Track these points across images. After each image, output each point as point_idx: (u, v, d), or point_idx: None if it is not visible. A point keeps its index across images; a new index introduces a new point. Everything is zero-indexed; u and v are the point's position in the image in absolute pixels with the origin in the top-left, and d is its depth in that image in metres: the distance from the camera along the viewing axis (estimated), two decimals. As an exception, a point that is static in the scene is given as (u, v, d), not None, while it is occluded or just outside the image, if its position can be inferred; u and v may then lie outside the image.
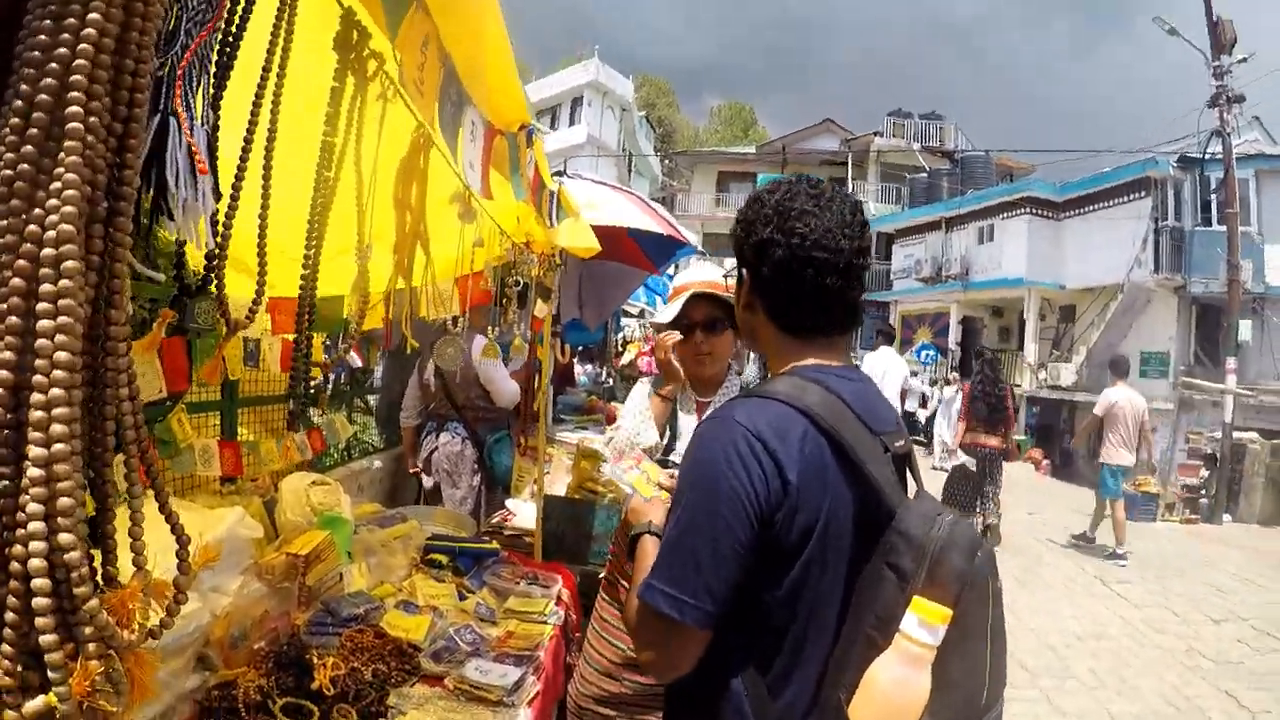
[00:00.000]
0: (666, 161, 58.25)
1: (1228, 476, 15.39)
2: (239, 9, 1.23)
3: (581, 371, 12.90)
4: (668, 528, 1.58)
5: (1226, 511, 15.23)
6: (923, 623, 1.39)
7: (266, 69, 1.34)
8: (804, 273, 1.62)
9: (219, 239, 1.29)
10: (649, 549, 1.80)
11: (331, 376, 6.52)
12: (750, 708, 1.56)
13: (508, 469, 5.59)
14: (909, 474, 1.71)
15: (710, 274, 3.29)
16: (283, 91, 1.43)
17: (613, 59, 49.21)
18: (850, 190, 28.02)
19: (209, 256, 1.25)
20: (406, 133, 1.94)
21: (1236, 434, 15.82)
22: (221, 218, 1.27)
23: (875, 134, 41.71)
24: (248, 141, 1.34)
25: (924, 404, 23.63)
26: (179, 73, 1.03)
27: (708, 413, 3.11)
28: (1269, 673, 7.07)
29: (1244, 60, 17.00)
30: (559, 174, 5.44)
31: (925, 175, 36.92)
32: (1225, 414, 16.06)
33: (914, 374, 18.70)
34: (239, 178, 1.33)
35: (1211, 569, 10.94)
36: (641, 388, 3.38)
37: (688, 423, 3.19)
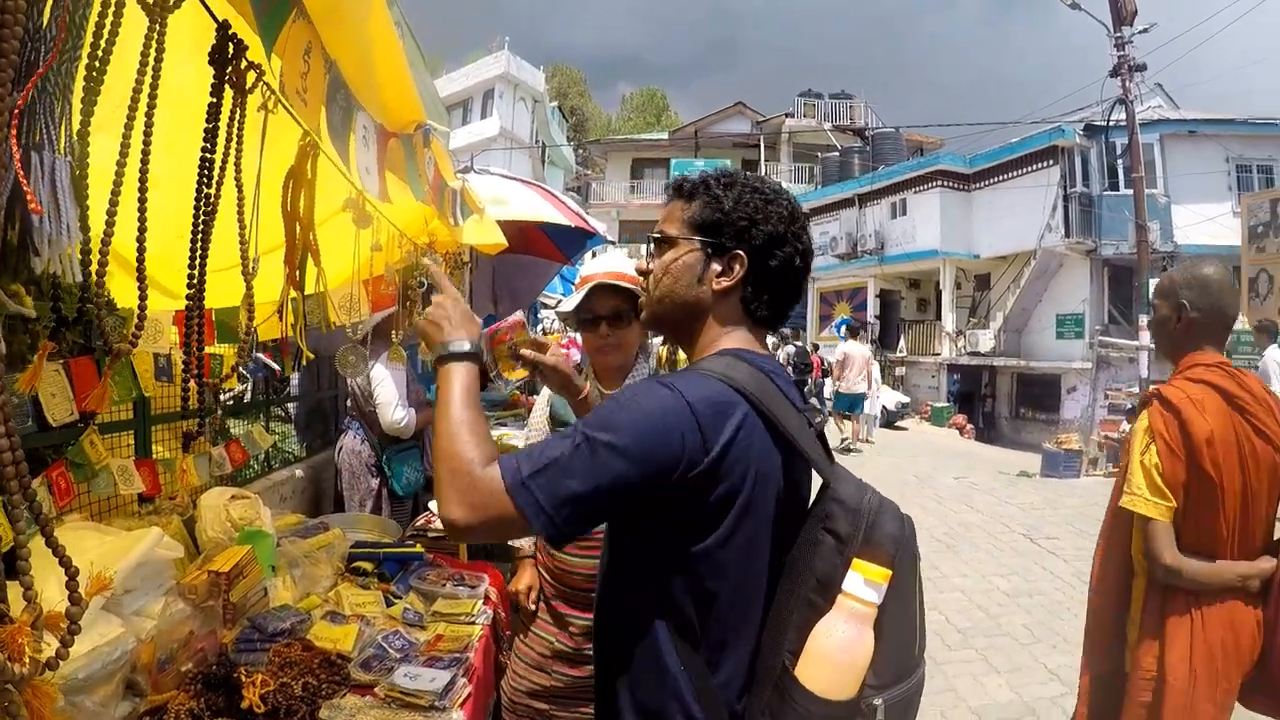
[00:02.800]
0: (580, 151, 58.15)
1: (1147, 429, 15.67)
2: (105, 31, 1.19)
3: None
4: (568, 435, 1.50)
5: (1148, 463, 15.56)
6: (868, 581, 1.44)
7: (138, 89, 1.31)
8: (797, 275, 1.75)
9: (96, 267, 1.26)
10: (463, 378, 1.66)
11: (247, 386, 6.40)
12: (690, 687, 1.56)
13: (410, 482, 5.40)
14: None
15: (617, 264, 3.20)
16: (158, 110, 1.40)
17: (524, 49, 49.07)
18: (763, 172, 28.70)
19: (83, 287, 1.21)
20: (292, 142, 1.90)
21: (1153, 388, 16.17)
22: (96, 246, 1.24)
23: (786, 115, 42.01)
24: (120, 165, 1.31)
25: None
26: (14, 112, 0.99)
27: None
28: (1199, 618, 7.25)
29: (1145, 31, 17.53)
30: (465, 170, 5.39)
31: (837, 154, 37.34)
32: (1141, 369, 16.50)
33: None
34: (113, 204, 1.30)
35: (1138, 519, 11.13)
36: (544, 397, 3.35)
37: None
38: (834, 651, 1.44)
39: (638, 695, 1.62)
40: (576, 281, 3.24)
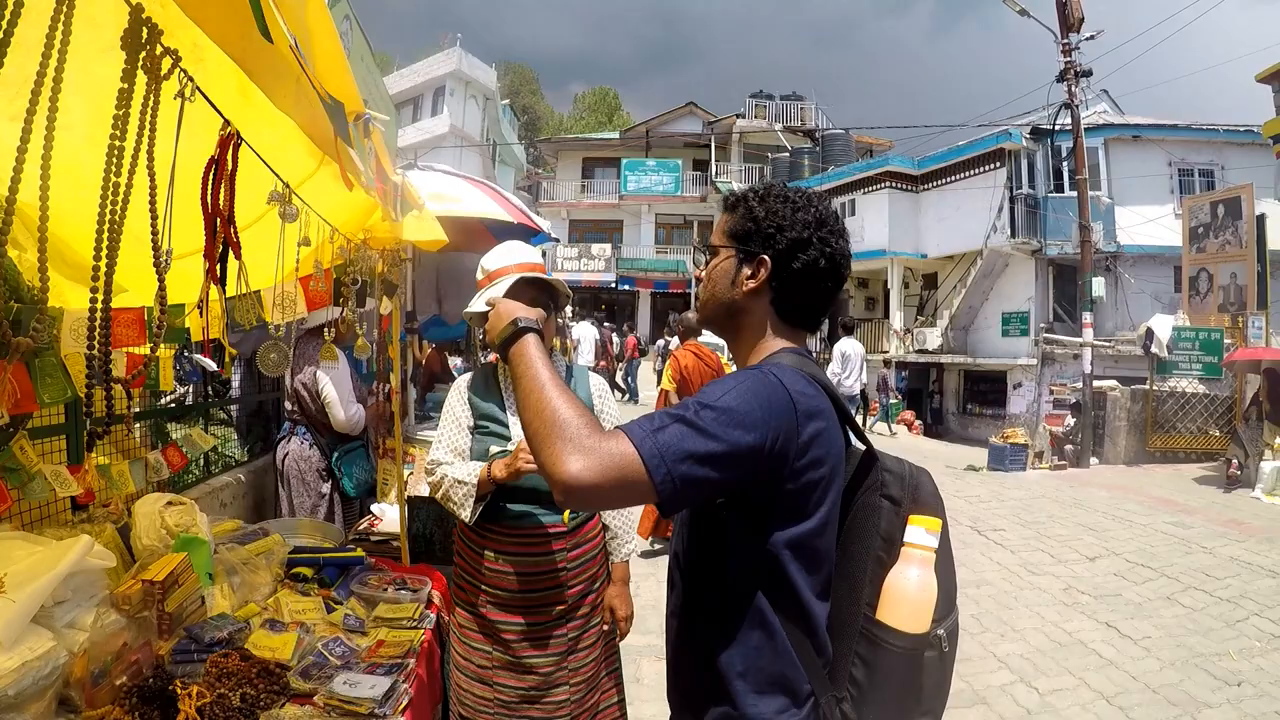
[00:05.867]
0: (531, 150, 58.07)
1: (1092, 423, 16.13)
2: (6, 14, 1.13)
3: (454, 367, 12.80)
4: (682, 407, 1.57)
5: (1094, 455, 15.96)
6: (928, 531, 1.70)
7: (41, 74, 1.24)
8: (825, 282, 1.89)
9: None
10: (534, 347, 1.73)
11: (187, 389, 6.28)
12: (795, 655, 1.71)
13: (360, 482, 5.37)
14: None
15: (528, 255, 3.20)
16: (82, 104, 1.34)
17: (476, 47, 49.01)
18: (713, 172, 29.59)
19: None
20: (212, 132, 1.84)
21: (1097, 383, 16.56)
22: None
23: (737, 115, 42.18)
24: (20, 150, 1.23)
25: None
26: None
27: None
28: (1145, 601, 7.44)
29: (1092, 37, 17.83)
30: (408, 167, 5.32)
31: (787, 155, 37.58)
32: (1085, 365, 16.76)
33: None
34: (13, 189, 1.23)
35: (1083, 510, 11.40)
36: (461, 389, 3.28)
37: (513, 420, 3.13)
38: (914, 592, 1.67)
39: (751, 670, 1.73)
40: (482, 276, 3.14)
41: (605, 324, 27.98)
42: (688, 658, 1.88)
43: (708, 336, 10.15)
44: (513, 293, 2.96)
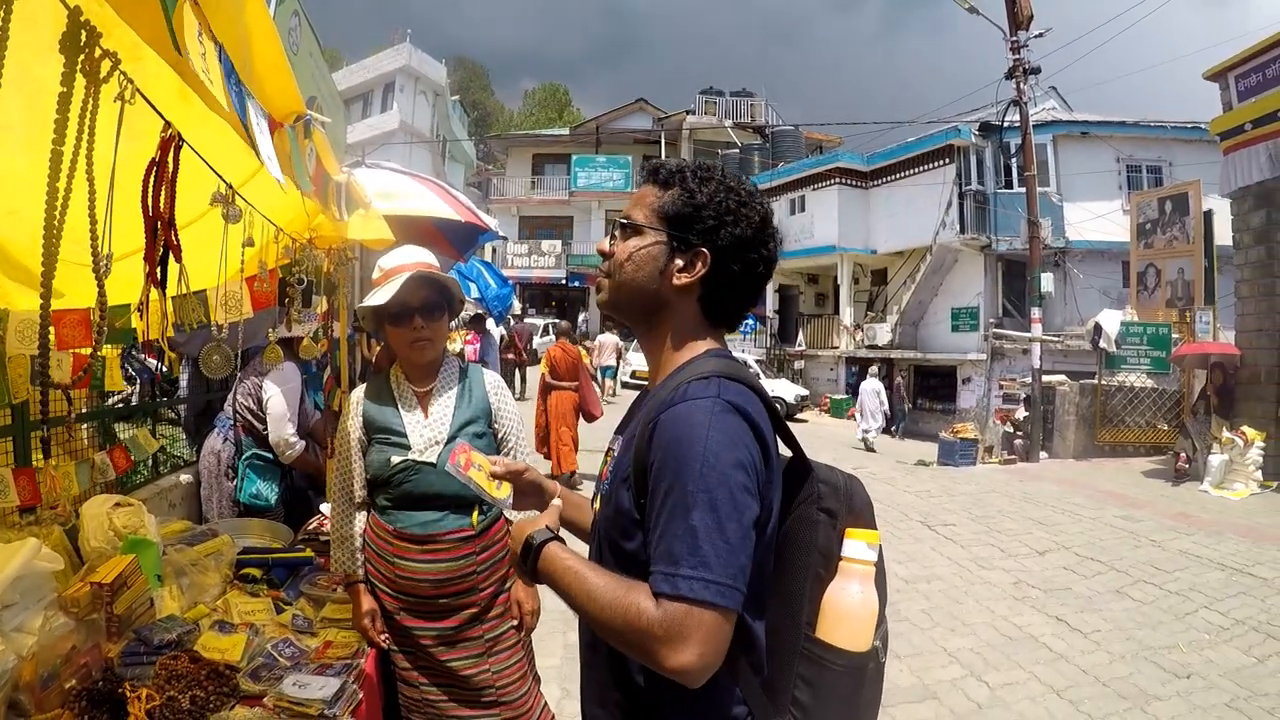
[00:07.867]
0: (481, 146, 57.79)
1: (1041, 417, 16.43)
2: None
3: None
4: (675, 515, 1.43)
5: (1043, 449, 16.25)
6: (869, 545, 1.62)
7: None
8: (760, 281, 1.74)
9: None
10: (563, 555, 1.60)
11: (134, 389, 6.19)
12: (738, 687, 1.58)
13: (256, 496, 4.81)
14: None
15: (424, 256, 3.19)
16: (22, 107, 1.33)
17: (427, 42, 48.67)
18: None
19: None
20: (153, 134, 1.83)
21: (1046, 378, 16.89)
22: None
23: (687, 112, 42.32)
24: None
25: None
26: None
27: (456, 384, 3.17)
28: (1095, 594, 7.56)
29: (1041, 35, 18.15)
30: (355, 165, 5.27)
31: (737, 151, 37.67)
32: (1034, 360, 17.02)
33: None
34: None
35: (1032, 504, 11.56)
36: (356, 402, 3.19)
37: (412, 419, 3.11)
38: (856, 609, 1.59)
39: (681, 699, 1.52)
40: (378, 275, 3.13)
41: (525, 320, 31.19)
42: (606, 686, 1.71)
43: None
44: (406, 289, 2.97)
